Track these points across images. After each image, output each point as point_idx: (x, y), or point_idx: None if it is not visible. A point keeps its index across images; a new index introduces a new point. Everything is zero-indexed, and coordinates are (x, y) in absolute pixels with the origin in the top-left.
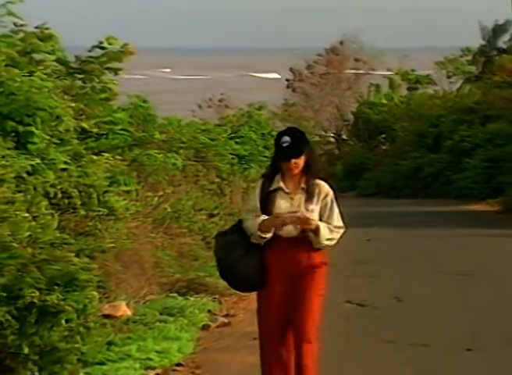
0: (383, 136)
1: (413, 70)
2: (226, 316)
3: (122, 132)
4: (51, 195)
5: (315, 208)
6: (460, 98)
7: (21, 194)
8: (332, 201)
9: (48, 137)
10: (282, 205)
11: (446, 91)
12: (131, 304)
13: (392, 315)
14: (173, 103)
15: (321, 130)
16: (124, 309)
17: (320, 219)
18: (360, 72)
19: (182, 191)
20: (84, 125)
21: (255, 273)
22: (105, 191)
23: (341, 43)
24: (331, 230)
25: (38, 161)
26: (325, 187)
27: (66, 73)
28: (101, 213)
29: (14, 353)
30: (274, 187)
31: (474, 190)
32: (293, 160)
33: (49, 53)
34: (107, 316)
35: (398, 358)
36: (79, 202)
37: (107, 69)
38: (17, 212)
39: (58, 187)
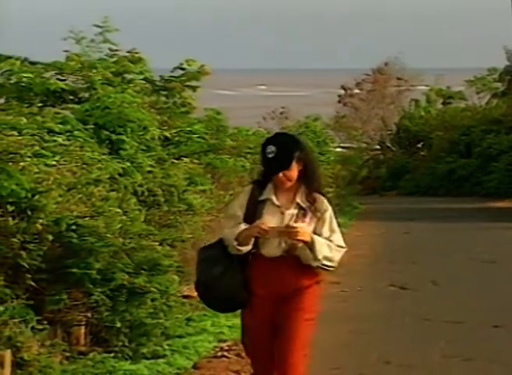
0: (421, 143)
1: (448, 87)
2: None
3: (198, 140)
4: (139, 193)
5: (308, 228)
6: (488, 111)
7: (114, 192)
8: (331, 218)
9: (136, 144)
10: (270, 218)
11: (476, 104)
12: None
13: (429, 296)
14: (254, 116)
15: (368, 138)
16: None
17: None
18: (402, 89)
19: None
20: (167, 134)
21: (235, 292)
22: (184, 190)
23: (386, 64)
24: (330, 248)
25: (128, 164)
26: (323, 202)
27: (152, 90)
28: (180, 209)
29: (108, 327)
30: (263, 197)
31: (500, 189)
32: (282, 173)
33: (138, 73)
34: (186, 297)
35: (433, 334)
36: (162, 199)
37: (186, 86)
38: (111, 208)
39: (145, 186)
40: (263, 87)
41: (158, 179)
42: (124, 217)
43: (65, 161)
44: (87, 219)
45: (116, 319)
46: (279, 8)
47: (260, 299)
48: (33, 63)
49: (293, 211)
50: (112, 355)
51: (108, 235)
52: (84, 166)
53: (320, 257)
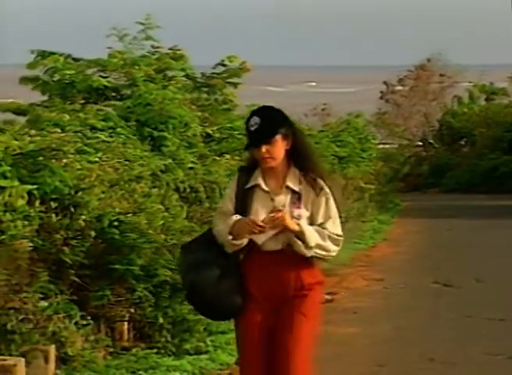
0: (464, 140)
1: (491, 83)
2: (329, 293)
3: (240, 136)
4: (181, 190)
5: (304, 213)
6: None
7: (156, 189)
8: (327, 202)
9: (178, 141)
10: (259, 208)
11: None
12: None
13: (472, 293)
14: (301, 113)
15: (410, 135)
16: None
17: (310, 224)
18: (445, 85)
19: None
20: (208, 131)
21: (232, 297)
22: (226, 187)
23: (428, 60)
24: (322, 235)
25: (170, 161)
26: (318, 183)
27: (194, 87)
28: None
29: (151, 322)
30: (251, 183)
31: None
32: (264, 147)
33: (180, 70)
34: None
35: (477, 331)
36: (204, 196)
37: (228, 83)
38: (153, 204)
39: (187, 183)
40: (313, 83)
41: (199, 175)
42: (166, 214)
43: (107, 158)
44: (129, 215)
45: (159, 314)
46: (324, 7)
47: (256, 305)
48: (76, 60)
49: (285, 196)
50: (155, 350)
51: (150, 231)
52: (126, 162)
53: (312, 244)
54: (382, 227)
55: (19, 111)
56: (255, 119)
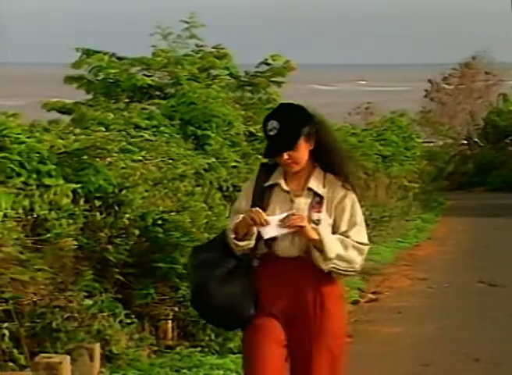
0: (509, 138)
1: None
2: (374, 292)
3: None
4: (224, 189)
5: (325, 219)
6: None
7: (199, 187)
8: (352, 206)
9: (221, 140)
10: (277, 208)
11: None
12: None
13: None
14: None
15: (455, 133)
16: None
17: (333, 233)
18: (490, 83)
19: None
20: (252, 129)
21: (240, 302)
22: None
23: (473, 58)
24: (345, 245)
25: (213, 160)
26: (341, 187)
27: (237, 85)
28: None
29: (195, 321)
30: (271, 182)
31: None
32: (286, 154)
33: (224, 69)
34: None
35: None
36: None
37: (272, 82)
38: (196, 203)
39: (230, 181)
40: (363, 82)
41: (242, 174)
42: (209, 212)
43: (151, 156)
44: (172, 214)
45: None
46: (372, 6)
47: (268, 317)
48: (120, 59)
49: (306, 199)
50: (199, 349)
51: (194, 230)
52: (170, 161)
53: (332, 255)
54: (425, 226)
55: (64, 110)
56: (273, 123)
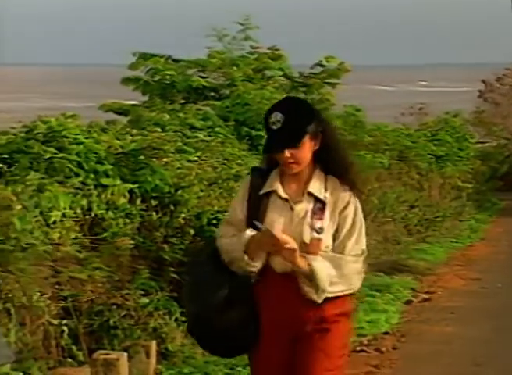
0: None
1: None
2: (426, 292)
3: None
4: None
5: (328, 226)
6: None
7: None
8: (355, 213)
9: None
10: (276, 218)
11: None
12: None
13: None
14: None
15: (509, 134)
16: None
17: (334, 240)
18: None
19: (387, 186)
20: None
21: (240, 330)
22: None
23: None
24: (340, 266)
25: None
26: (345, 192)
27: (291, 86)
28: None
29: None
30: (266, 189)
31: None
32: (288, 151)
33: (278, 70)
34: None
35: None
36: None
37: (326, 83)
38: None
39: None
40: (424, 82)
41: None
42: None
43: (206, 157)
44: (226, 213)
45: None
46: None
47: (269, 336)
48: (176, 61)
49: (307, 205)
50: None
51: None
52: (225, 161)
53: (324, 287)
54: (479, 226)
55: (120, 111)
56: (277, 116)
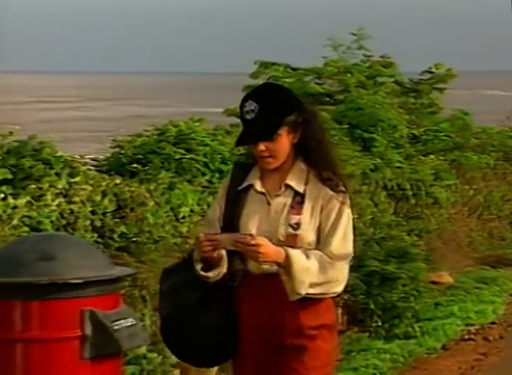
0: None
1: None
2: None
3: (444, 138)
4: (389, 187)
5: (308, 221)
6: None
7: (366, 186)
8: (340, 209)
9: (386, 142)
10: (251, 214)
11: None
12: (452, 274)
13: None
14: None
15: None
16: (447, 278)
17: (318, 241)
18: None
19: (492, 185)
20: (415, 132)
21: (219, 332)
22: (431, 185)
23: None
24: (322, 266)
25: (379, 161)
26: (333, 183)
27: (402, 92)
28: (427, 202)
29: (363, 308)
30: (244, 184)
31: None
32: (262, 144)
33: (389, 76)
34: (433, 283)
35: None
36: (410, 193)
37: (434, 88)
38: (363, 200)
39: (394, 181)
40: None
41: (406, 174)
42: (375, 209)
43: None
44: None
45: (370, 301)
46: None
47: (248, 351)
48: (294, 69)
49: (285, 199)
50: (367, 334)
51: (361, 225)
52: (339, 162)
53: (301, 290)
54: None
55: None
56: (252, 105)
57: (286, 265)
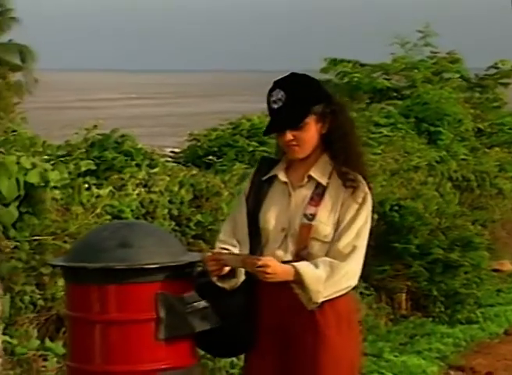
0: None
1: None
2: None
3: (509, 131)
4: (454, 179)
5: (327, 214)
6: None
7: (431, 177)
8: (358, 208)
9: (452, 136)
10: (272, 205)
11: None
12: None
13: None
14: None
15: None
16: (508, 266)
17: (334, 231)
18: None
19: None
20: (480, 126)
21: (239, 318)
22: (495, 176)
23: None
24: (332, 268)
25: (444, 153)
26: (354, 182)
27: (467, 87)
28: (491, 193)
29: (426, 295)
30: (269, 174)
31: None
32: (290, 132)
33: (455, 72)
34: (495, 271)
35: None
36: (475, 184)
37: (499, 83)
38: (428, 191)
39: (459, 172)
40: None
41: (471, 166)
42: (440, 200)
43: (388, 150)
44: (407, 200)
45: (433, 288)
46: None
47: (262, 341)
48: (362, 65)
49: (307, 191)
50: (430, 319)
51: (426, 215)
52: (405, 154)
53: (318, 300)
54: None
55: None
56: (279, 94)
57: (298, 280)
